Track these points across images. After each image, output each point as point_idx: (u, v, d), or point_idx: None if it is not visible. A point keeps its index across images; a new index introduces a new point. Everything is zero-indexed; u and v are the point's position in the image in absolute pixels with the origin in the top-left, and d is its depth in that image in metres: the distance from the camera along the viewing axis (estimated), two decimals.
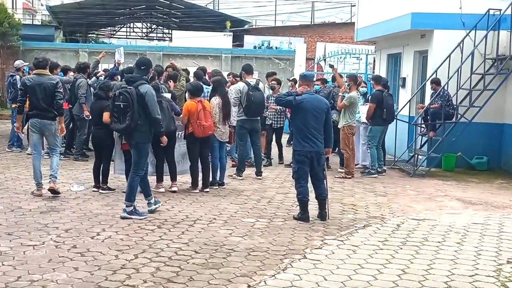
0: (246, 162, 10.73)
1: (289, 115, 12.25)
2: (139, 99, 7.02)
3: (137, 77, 7.20)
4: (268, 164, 11.75)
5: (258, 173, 10.50)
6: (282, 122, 12.17)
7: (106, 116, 8.57)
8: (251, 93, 10.14)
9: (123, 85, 7.35)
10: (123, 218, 7.09)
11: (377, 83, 11.51)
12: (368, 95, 12.64)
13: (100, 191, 8.64)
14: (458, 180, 11.25)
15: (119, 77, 11.31)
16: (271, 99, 11.62)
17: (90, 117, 9.77)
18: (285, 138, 16.04)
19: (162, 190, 8.81)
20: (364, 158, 12.14)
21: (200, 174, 9.07)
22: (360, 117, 11.76)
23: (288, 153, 12.48)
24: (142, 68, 7.32)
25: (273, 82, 11.87)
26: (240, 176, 10.29)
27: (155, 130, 7.23)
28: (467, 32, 11.91)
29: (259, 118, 10.58)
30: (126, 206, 7.18)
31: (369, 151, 11.43)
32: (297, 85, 13.23)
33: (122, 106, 7.05)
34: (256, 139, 10.52)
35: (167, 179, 9.03)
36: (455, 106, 11.95)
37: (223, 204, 8.23)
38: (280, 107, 11.30)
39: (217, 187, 9.34)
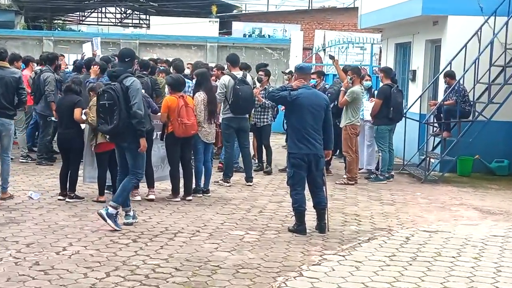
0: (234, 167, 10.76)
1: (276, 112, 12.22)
2: (125, 95, 7.16)
3: (121, 71, 7.32)
4: (259, 168, 11.74)
5: (248, 178, 10.50)
6: (266, 119, 11.59)
7: (78, 113, 8.55)
8: (238, 87, 10.09)
9: (105, 80, 7.54)
10: (99, 215, 7.15)
11: (387, 76, 11.52)
12: (373, 89, 12.65)
13: (67, 199, 8.61)
14: (476, 187, 11.30)
15: (85, 69, 11.31)
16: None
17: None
18: (278, 139, 16.09)
19: (138, 198, 8.79)
20: (370, 161, 12.16)
21: (182, 180, 9.06)
22: (364, 114, 11.78)
23: (282, 156, 12.49)
24: (126, 60, 7.46)
25: (260, 73, 11.70)
26: (228, 183, 10.28)
27: (135, 128, 7.26)
28: (485, 18, 11.93)
29: (247, 116, 10.57)
30: (110, 206, 7.20)
31: (380, 154, 11.45)
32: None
33: (107, 105, 7.17)
34: (244, 140, 10.50)
35: (143, 186, 8.99)
36: (472, 103, 11.99)
37: (208, 215, 8.21)
38: (268, 102, 11.17)
39: (201, 195, 9.34)
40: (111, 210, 7.17)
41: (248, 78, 10.65)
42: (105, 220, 7.11)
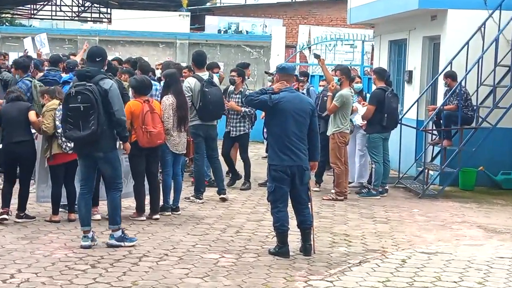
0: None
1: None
2: (103, 98, 7.28)
3: (95, 71, 7.41)
4: (230, 183, 11.70)
5: (221, 191, 10.52)
6: (243, 128, 11.46)
7: (33, 115, 8.48)
8: (206, 89, 10.10)
9: (74, 80, 7.56)
10: (110, 246, 7.46)
11: (380, 78, 11.60)
12: (365, 92, 12.70)
13: (16, 219, 8.53)
14: (480, 202, 11.37)
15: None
16: (232, 97, 11.44)
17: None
18: (257, 148, 16.09)
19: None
20: (362, 174, 12.22)
21: (148, 197, 9.03)
22: (355, 119, 11.84)
23: (262, 168, 12.49)
24: (97, 60, 7.54)
25: (232, 74, 11.60)
26: (200, 199, 10.28)
27: (119, 136, 7.60)
28: (490, 12, 12.03)
29: (215, 122, 10.55)
30: (113, 231, 7.54)
31: (373, 166, 11.51)
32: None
33: (82, 109, 7.22)
34: (212, 149, 10.50)
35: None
36: (475, 107, 12.09)
37: (177, 235, 8.19)
38: (249, 109, 11.15)
39: (170, 213, 9.34)
40: (117, 234, 7.55)
41: (216, 80, 10.66)
42: (120, 246, 7.49)
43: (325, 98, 11.40)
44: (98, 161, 7.48)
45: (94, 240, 7.57)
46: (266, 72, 14.37)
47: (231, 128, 11.49)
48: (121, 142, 8.79)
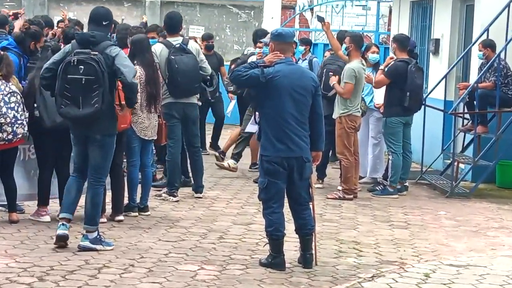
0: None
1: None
2: (109, 69, 7.50)
3: (101, 36, 7.63)
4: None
5: (197, 189, 10.58)
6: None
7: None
8: (172, 57, 10.15)
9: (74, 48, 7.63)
10: (82, 249, 7.63)
11: (402, 48, 11.57)
12: (381, 65, 12.69)
13: None
14: None
15: None
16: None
17: None
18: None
19: (47, 219, 8.78)
20: (376, 167, 12.27)
21: (109, 193, 9.04)
22: (372, 100, 11.84)
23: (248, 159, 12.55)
24: (104, 23, 7.77)
25: (211, 42, 11.70)
26: (174, 196, 10.32)
27: (127, 102, 7.85)
28: None
29: (194, 100, 10.57)
30: (87, 232, 7.72)
31: (390, 157, 11.50)
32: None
33: (84, 82, 7.42)
34: (192, 136, 10.57)
35: (55, 203, 8.98)
36: None
37: (146, 242, 8.20)
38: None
39: (136, 213, 9.38)
40: (91, 235, 7.72)
41: (192, 45, 10.59)
42: (95, 249, 7.65)
43: (330, 72, 11.42)
44: (91, 144, 7.68)
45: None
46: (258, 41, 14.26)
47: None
48: None
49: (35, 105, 8.51)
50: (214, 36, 14.46)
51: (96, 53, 7.49)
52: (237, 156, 12.29)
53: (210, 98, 11.38)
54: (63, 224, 7.73)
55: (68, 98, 7.50)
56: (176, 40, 10.37)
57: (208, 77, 10.83)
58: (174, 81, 10.13)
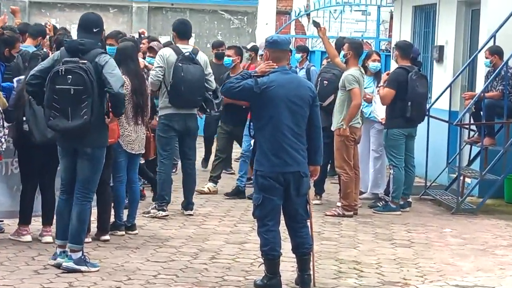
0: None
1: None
2: (98, 79, 7.53)
3: (91, 44, 7.69)
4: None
5: (188, 206, 10.63)
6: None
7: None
8: (180, 65, 10.22)
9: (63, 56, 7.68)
10: (66, 269, 7.61)
11: (405, 55, 11.57)
12: (382, 73, 12.62)
13: None
14: None
15: None
16: None
17: None
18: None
19: (28, 238, 8.79)
20: (377, 181, 12.24)
21: (95, 211, 8.96)
22: (371, 112, 11.80)
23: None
24: (94, 31, 7.85)
25: (228, 53, 11.99)
26: (164, 211, 10.34)
27: (114, 112, 7.88)
28: None
29: (195, 111, 10.59)
30: (71, 251, 7.70)
31: (392, 171, 11.49)
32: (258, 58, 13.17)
33: (73, 92, 7.45)
34: (189, 148, 10.61)
35: (36, 221, 8.98)
36: None
37: (133, 262, 8.19)
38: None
39: (123, 232, 9.37)
40: (75, 255, 7.68)
41: (201, 57, 10.66)
42: (79, 271, 7.63)
43: (325, 81, 11.37)
44: (80, 158, 7.72)
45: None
46: (243, 47, 14.22)
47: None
48: None
49: (24, 118, 8.47)
50: (223, 43, 14.36)
51: (85, 61, 7.54)
52: (216, 179, 12.27)
53: (216, 110, 11.29)
54: (63, 252, 7.77)
55: (56, 110, 7.54)
56: (185, 48, 10.45)
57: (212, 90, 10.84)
58: (177, 89, 10.22)
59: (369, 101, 11.60)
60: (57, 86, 7.48)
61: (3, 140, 8.33)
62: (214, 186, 12.22)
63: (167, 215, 10.28)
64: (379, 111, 11.77)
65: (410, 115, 11.29)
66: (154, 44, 12.11)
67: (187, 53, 10.36)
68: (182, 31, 10.68)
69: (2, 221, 9.18)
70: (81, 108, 7.46)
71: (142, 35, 13.41)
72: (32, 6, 20.86)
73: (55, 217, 8.22)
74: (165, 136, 10.34)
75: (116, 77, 7.62)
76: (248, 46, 14.95)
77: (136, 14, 21.66)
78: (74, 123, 7.50)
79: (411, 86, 11.25)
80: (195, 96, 10.46)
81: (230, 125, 12.17)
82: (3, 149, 8.36)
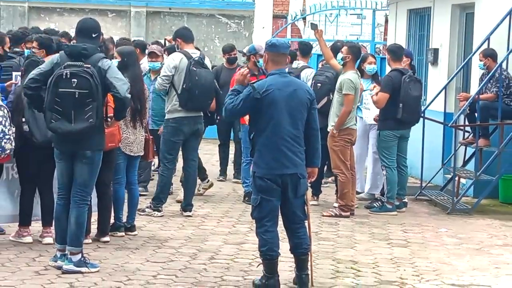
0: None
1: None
2: (102, 83, 7.56)
3: (93, 49, 7.71)
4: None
5: (186, 207, 10.61)
6: None
7: None
8: (194, 69, 10.26)
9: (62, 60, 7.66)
10: (67, 272, 7.61)
11: (396, 58, 11.60)
12: (380, 76, 12.69)
13: None
14: None
15: None
16: None
17: None
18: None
19: (29, 240, 8.79)
20: (375, 182, 12.27)
21: (95, 213, 9.01)
22: (363, 112, 11.88)
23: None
24: (94, 36, 7.89)
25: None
26: (159, 211, 10.41)
27: (118, 116, 8.00)
28: None
29: (202, 113, 10.67)
30: (71, 254, 7.70)
31: (384, 172, 11.50)
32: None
33: (77, 95, 7.46)
34: (193, 149, 10.67)
35: (37, 223, 8.97)
36: None
37: (133, 263, 8.19)
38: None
39: (123, 233, 9.39)
40: (75, 257, 7.70)
41: (207, 62, 10.80)
42: (80, 272, 7.65)
43: (319, 84, 11.44)
44: (79, 161, 7.74)
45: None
46: (239, 51, 14.18)
47: None
48: None
49: (23, 120, 8.49)
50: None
51: (90, 66, 7.53)
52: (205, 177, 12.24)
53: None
54: (64, 255, 7.80)
55: (58, 113, 7.53)
56: (194, 53, 10.51)
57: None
58: (191, 93, 10.26)
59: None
60: (60, 89, 7.48)
61: (12, 138, 8.28)
62: (207, 182, 12.21)
63: (162, 215, 10.35)
64: (371, 115, 11.88)
65: (402, 117, 11.28)
66: (154, 48, 12.17)
67: (197, 58, 10.42)
68: (187, 35, 10.72)
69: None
70: (85, 112, 7.49)
71: (168, 43, 13.36)
72: (31, 10, 20.80)
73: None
74: (173, 140, 10.40)
75: (122, 81, 7.70)
76: (245, 50, 14.96)
77: (135, 18, 21.61)
78: (77, 126, 7.51)
79: (404, 89, 11.24)
80: (207, 99, 10.57)
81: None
82: (13, 147, 8.31)
